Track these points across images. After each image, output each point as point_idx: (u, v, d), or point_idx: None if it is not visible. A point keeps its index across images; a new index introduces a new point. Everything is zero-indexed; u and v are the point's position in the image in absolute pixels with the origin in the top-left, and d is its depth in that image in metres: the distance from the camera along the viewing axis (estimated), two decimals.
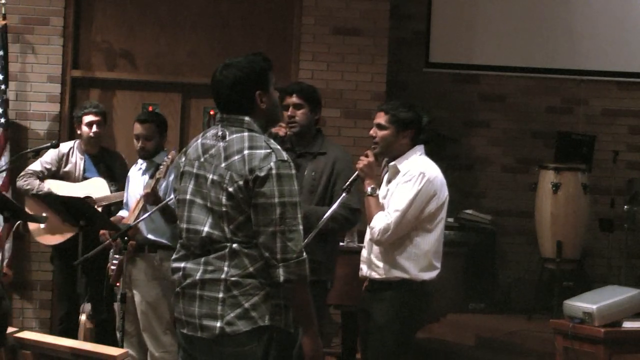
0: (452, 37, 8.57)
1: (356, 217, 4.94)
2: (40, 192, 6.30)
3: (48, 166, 6.46)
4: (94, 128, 6.47)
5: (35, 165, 6.47)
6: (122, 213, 5.84)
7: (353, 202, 4.80)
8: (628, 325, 5.28)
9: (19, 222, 6.63)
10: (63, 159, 6.48)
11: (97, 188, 6.34)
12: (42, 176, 6.43)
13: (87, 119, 6.48)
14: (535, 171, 7.77)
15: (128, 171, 6.56)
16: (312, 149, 5.00)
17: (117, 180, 6.44)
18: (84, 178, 6.45)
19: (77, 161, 6.48)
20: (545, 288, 7.67)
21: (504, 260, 8.39)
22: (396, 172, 4.59)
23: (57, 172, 6.46)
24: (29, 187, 6.37)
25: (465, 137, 8.53)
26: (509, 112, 8.59)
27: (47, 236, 6.43)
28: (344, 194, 4.60)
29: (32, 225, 6.47)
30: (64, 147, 6.56)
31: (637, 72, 8.50)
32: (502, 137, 8.59)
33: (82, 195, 6.23)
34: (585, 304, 5.31)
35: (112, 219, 5.82)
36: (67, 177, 6.44)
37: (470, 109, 8.59)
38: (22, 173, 6.49)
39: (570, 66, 8.54)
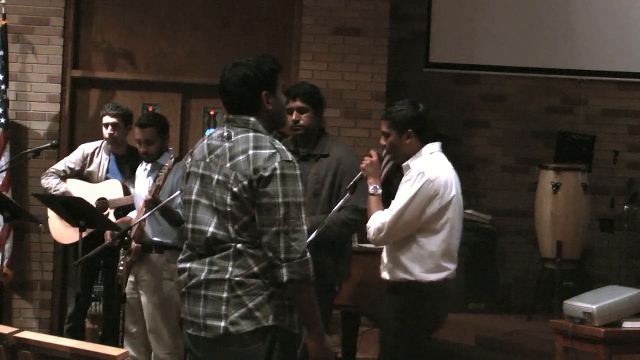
0: (452, 37, 8.57)
1: (364, 216, 4.94)
2: (54, 192, 6.30)
3: (72, 165, 6.47)
4: (109, 129, 6.46)
5: (59, 165, 6.50)
6: (132, 214, 5.83)
7: (361, 202, 4.78)
8: (628, 325, 5.28)
9: (40, 224, 6.64)
10: (87, 159, 6.49)
11: (111, 190, 6.34)
12: (64, 175, 6.44)
13: (105, 120, 6.49)
14: (535, 171, 7.77)
15: None
16: (315, 151, 4.98)
17: None
18: (107, 179, 6.45)
19: (102, 161, 6.49)
20: (545, 288, 7.67)
21: (504, 260, 8.39)
22: (410, 171, 4.58)
23: (80, 172, 6.47)
24: (48, 185, 6.40)
25: (465, 137, 8.53)
26: (509, 112, 8.59)
27: (64, 235, 6.42)
28: (347, 194, 4.60)
29: (51, 223, 6.47)
30: (90, 147, 6.56)
31: (637, 72, 8.51)
32: (502, 137, 8.59)
33: (97, 197, 6.23)
34: (585, 304, 5.30)
35: (121, 219, 5.81)
36: (90, 177, 6.45)
37: (470, 109, 8.59)
38: (46, 172, 6.50)
39: (570, 66, 8.54)
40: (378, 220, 4.44)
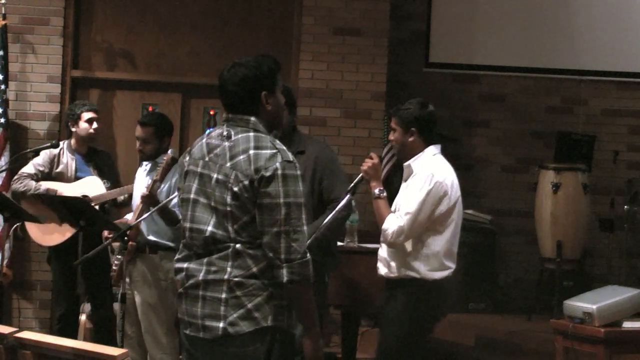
0: (452, 37, 8.57)
1: (350, 208, 4.98)
2: (40, 192, 6.30)
3: (41, 168, 6.45)
4: (95, 124, 6.49)
5: (29, 168, 6.45)
6: (128, 216, 5.82)
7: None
8: (628, 325, 5.28)
9: (16, 225, 6.64)
10: (55, 160, 6.47)
11: (92, 187, 6.34)
12: (35, 179, 6.42)
13: (88, 115, 6.48)
14: (535, 171, 7.77)
15: (116, 168, 6.59)
16: (291, 149, 4.99)
17: (108, 178, 6.46)
18: (77, 178, 6.44)
19: (69, 161, 6.47)
20: (545, 288, 7.66)
21: (504, 260, 8.38)
22: (411, 171, 4.61)
23: (49, 174, 6.45)
24: (25, 188, 6.35)
25: (465, 137, 8.53)
26: (509, 112, 8.58)
27: (45, 237, 6.42)
28: (348, 195, 4.62)
29: (29, 227, 6.46)
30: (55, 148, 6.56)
31: (637, 72, 8.50)
32: (502, 137, 8.58)
33: (78, 194, 6.23)
34: (585, 304, 5.31)
35: (118, 221, 5.81)
36: (60, 178, 6.43)
37: (470, 109, 8.59)
38: (16, 176, 6.45)
39: (570, 66, 8.54)
40: (395, 223, 4.49)
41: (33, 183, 6.37)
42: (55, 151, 6.49)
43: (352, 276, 5.70)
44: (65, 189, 6.32)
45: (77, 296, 6.39)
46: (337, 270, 5.40)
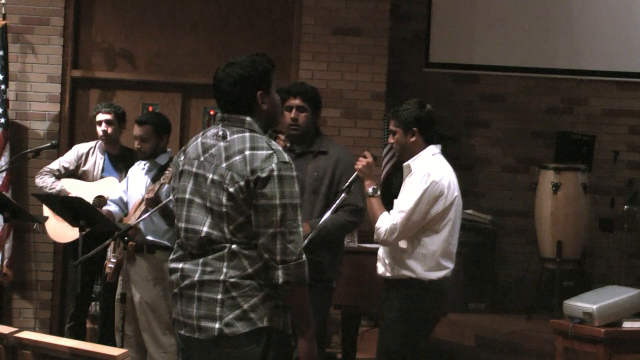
0: (452, 37, 8.57)
1: (362, 216, 4.99)
2: (50, 190, 6.33)
3: (66, 165, 6.53)
4: (103, 126, 6.52)
5: (54, 164, 6.57)
6: (111, 208, 5.79)
7: (358, 201, 4.84)
8: (628, 325, 5.28)
9: (36, 222, 6.69)
10: (82, 159, 6.55)
11: (109, 187, 6.36)
12: (59, 175, 6.50)
13: (98, 117, 6.57)
14: (535, 171, 7.77)
15: None
16: (312, 148, 5.01)
17: None
18: (102, 178, 6.49)
19: (97, 161, 6.55)
20: (545, 288, 7.67)
21: (504, 260, 8.38)
22: (410, 171, 4.62)
23: (75, 172, 6.54)
24: (43, 184, 6.46)
25: (465, 137, 8.53)
26: (509, 112, 8.58)
27: (61, 234, 6.43)
28: (343, 195, 4.62)
29: (47, 224, 6.49)
30: (84, 147, 6.64)
31: (637, 72, 8.50)
32: (502, 137, 8.59)
33: (94, 195, 6.26)
34: (585, 304, 5.30)
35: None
36: (85, 176, 6.51)
37: (470, 109, 8.59)
38: (40, 171, 6.55)
39: (570, 66, 8.54)
40: (388, 221, 4.49)
41: (51, 180, 6.45)
42: (84, 150, 6.59)
43: (353, 276, 5.70)
44: (83, 188, 6.35)
45: (84, 295, 6.40)
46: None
